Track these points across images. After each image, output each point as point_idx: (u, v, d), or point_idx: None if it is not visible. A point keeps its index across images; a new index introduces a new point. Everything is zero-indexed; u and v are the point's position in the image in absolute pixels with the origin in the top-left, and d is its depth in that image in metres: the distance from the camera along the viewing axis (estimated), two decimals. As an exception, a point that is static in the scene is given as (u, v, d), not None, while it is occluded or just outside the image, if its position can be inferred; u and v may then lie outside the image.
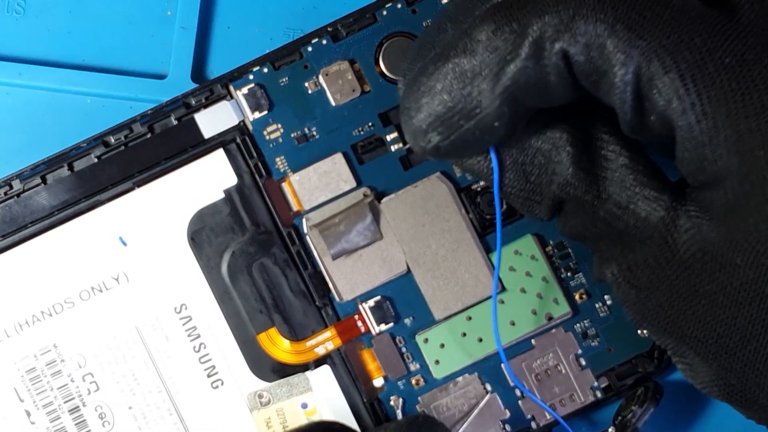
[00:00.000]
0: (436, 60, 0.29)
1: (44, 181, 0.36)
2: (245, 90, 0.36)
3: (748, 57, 0.27)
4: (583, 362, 0.36)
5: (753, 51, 0.27)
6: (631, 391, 0.36)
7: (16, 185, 0.36)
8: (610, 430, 0.35)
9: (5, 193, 0.36)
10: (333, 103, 0.36)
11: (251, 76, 0.36)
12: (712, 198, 0.28)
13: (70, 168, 0.36)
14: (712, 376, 0.30)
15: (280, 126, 0.36)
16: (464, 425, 0.36)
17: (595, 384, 0.36)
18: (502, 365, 0.36)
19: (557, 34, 0.27)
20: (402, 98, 0.30)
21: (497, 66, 0.28)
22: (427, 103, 0.29)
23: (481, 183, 0.36)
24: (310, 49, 0.36)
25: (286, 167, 0.36)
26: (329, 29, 0.36)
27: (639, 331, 0.36)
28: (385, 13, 0.36)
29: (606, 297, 0.36)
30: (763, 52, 0.27)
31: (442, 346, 0.36)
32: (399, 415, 0.36)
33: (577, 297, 0.36)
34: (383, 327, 0.36)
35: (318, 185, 0.36)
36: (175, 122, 0.36)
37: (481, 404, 0.36)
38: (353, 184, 0.36)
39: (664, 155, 0.30)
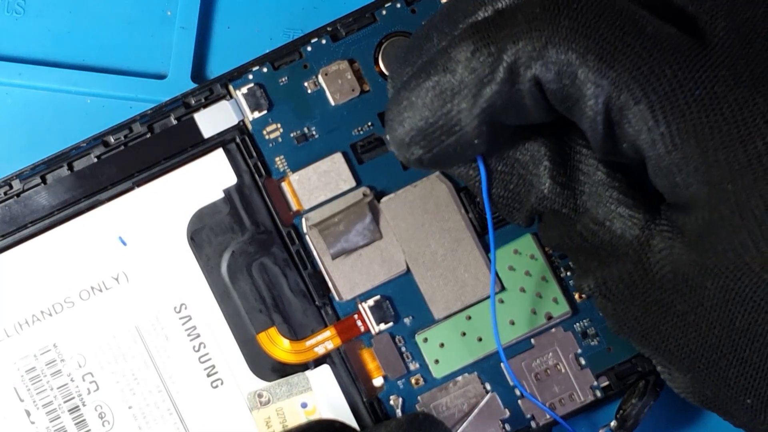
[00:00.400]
0: (417, 75, 0.30)
1: (44, 180, 0.36)
2: (245, 90, 0.36)
3: (719, 90, 0.27)
4: (583, 361, 0.36)
5: (724, 84, 0.27)
6: (633, 384, 0.36)
7: (16, 185, 0.36)
8: (612, 423, 0.35)
9: (5, 193, 0.36)
10: (332, 103, 0.36)
11: (251, 76, 0.36)
12: (685, 221, 0.28)
13: (70, 168, 0.36)
14: (687, 384, 0.30)
15: (279, 126, 0.36)
16: (464, 425, 0.36)
17: (595, 383, 0.36)
18: (502, 365, 0.36)
19: (530, 60, 0.28)
20: (386, 110, 0.31)
21: (475, 87, 0.28)
22: (409, 117, 0.30)
23: (481, 182, 0.36)
24: (309, 48, 0.36)
25: (286, 167, 0.36)
26: (329, 29, 0.36)
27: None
28: (384, 12, 0.36)
29: (606, 296, 0.36)
30: (734, 84, 0.27)
31: (442, 345, 0.36)
32: (399, 414, 0.36)
33: (576, 296, 0.36)
34: (383, 326, 0.36)
35: (317, 185, 0.36)
36: (174, 122, 0.36)
37: (481, 404, 0.36)
38: (353, 183, 0.36)
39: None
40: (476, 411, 0.36)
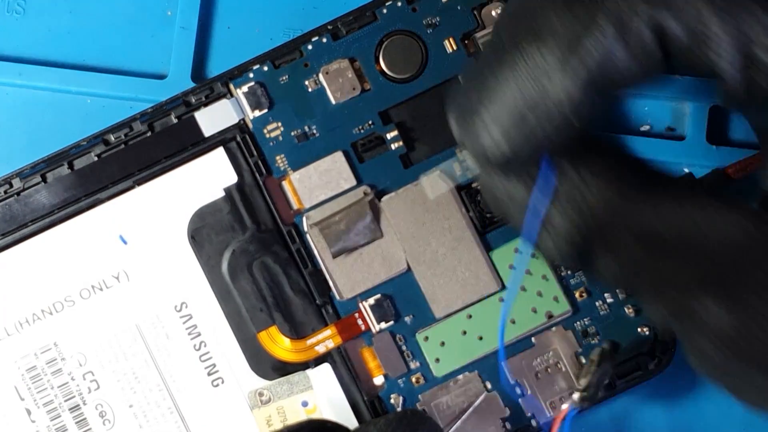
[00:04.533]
0: (506, 51, 0.27)
1: (44, 179, 0.36)
2: (245, 88, 0.36)
3: None
4: (584, 360, 0.36)
5: None
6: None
7: (16, 183, 0.36)
8: (574, 396, 0.34)
9: (5, 192, 0.36)
10: (333, 102, 0.36)
11: (251, 75, 0.36)
12: None
13: (70, 166, 0.36)
14: None
15: (280, 124, 0.36)
16: (458, 423, 0.36)
17: (596, 382, 0.36)
18: (502, 364, 0.36)
19: (648, 8, 0.26)
20: (466, 92, 0.28)
21: (572, 52, 0.26)
22: (495, 99, 0.27)
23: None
24: (310, 47, 0.36)
25: (287, 165, 0.36)
26: (329, 27, 0.36)
27: (639, 329, 0.36)
28: (385, 11, 0.36)
29: (606, 295, 0.36)
30: None
31: (443, 344, 0.36)
32: (399, 413, 0.36)
33: (577, 295, 0.36)
34: (383, 325, 0.36)
35: (318, 183, 0.36)
36: (175, 120, 0.36)
37: (476, 403, 0.36)
38: (353, 182, 0.36)
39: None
40: (470, 410, 0.36)
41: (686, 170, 0.38)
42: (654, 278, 0.28)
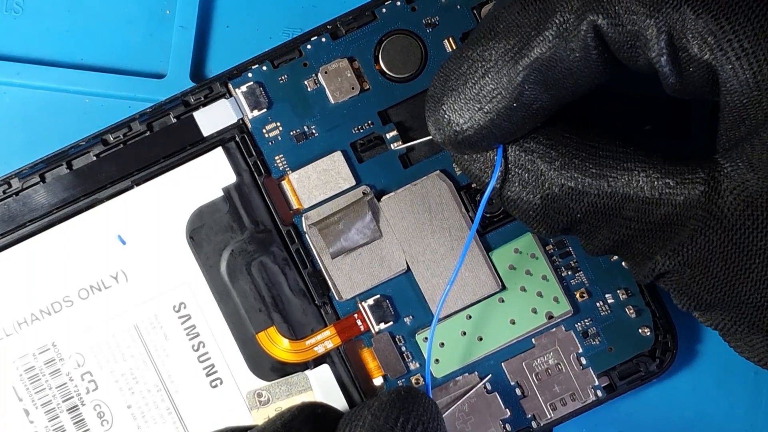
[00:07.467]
0: (468, 47, 0.30)
1: (43, 179, 0.36)
2: (244, 88, 0.36)
3: None
4: (584, 361, 0.36)
5: None
6: None
7: (15, 183, 0.36)
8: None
9: (4, 192, 0.36)
10: (332, 101, 0.36)
11: (250, 74, 0.36)
12: (753, 147, 0.28)
13: (69, 166, 0.36)
14: None
15: (279, 124, 0.36)
16: (456, 404, 0.36)
17: (596, 383, 0.36)
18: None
19: (585, 6, 0.28)
20: (435, 83, 0.31)
21: (520, 49, 0.29)
22: (455, 88, 0.30)
23: (481, 181, 0.36)
24: (309, 47, 0.36)
25: (285, 165, 0.36)
26: (328, 27, 0.36)
27: (640, 330, 0.36)
28: (384, 10, 0.36)
29: (607, 296, 0.36)
30: None
31: (442, 345, 0.36)
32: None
33: (577, 296, 0.36)
34: (383, 326, 0.36)
35: (317, 183, 0.36)
36: (174, 120, 0.36)
37: (477, 386, 0.36)
38: (352, 182, 0.36)
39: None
40: (471, 392, 0.36)
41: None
42: (623, 252, 0.31)
